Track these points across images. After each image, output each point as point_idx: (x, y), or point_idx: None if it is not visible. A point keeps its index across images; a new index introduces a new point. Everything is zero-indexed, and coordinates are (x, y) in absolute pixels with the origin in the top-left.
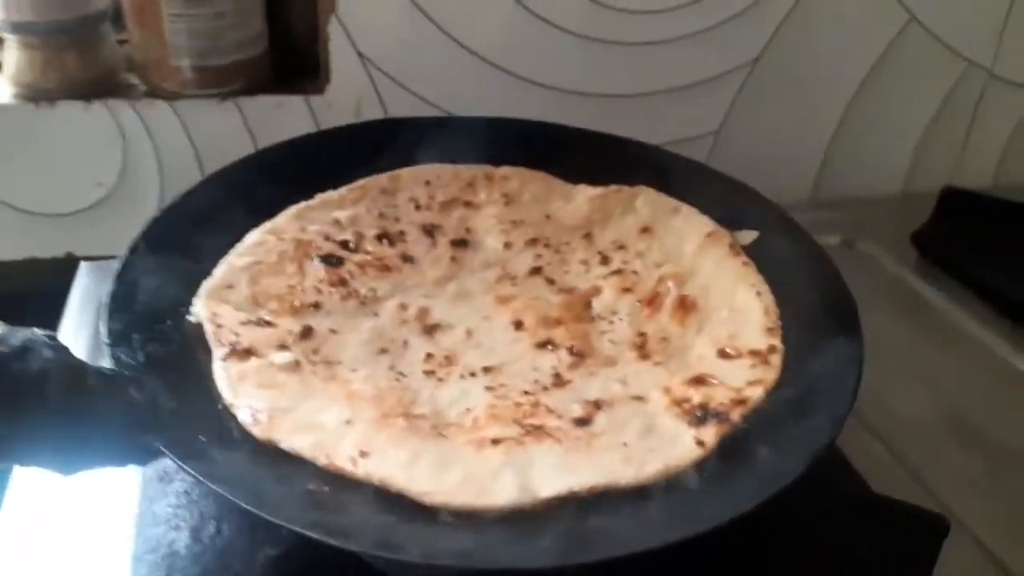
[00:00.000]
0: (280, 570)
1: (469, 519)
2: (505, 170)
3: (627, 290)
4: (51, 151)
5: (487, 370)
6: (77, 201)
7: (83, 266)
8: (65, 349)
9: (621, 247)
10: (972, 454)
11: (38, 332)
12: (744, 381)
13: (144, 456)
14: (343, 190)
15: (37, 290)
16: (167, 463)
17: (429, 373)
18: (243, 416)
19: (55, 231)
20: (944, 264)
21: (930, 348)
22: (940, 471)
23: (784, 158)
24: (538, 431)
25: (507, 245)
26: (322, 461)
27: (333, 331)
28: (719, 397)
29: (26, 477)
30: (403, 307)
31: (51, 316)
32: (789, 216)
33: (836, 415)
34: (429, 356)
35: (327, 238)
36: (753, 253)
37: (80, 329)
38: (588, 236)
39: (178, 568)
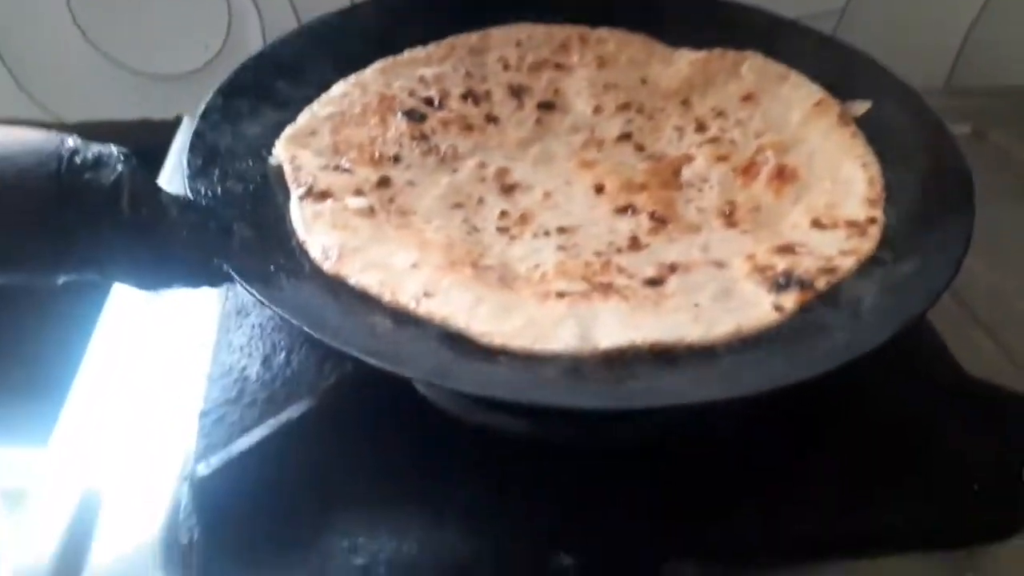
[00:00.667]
0: (341, 396)
1: (526, 362)
2: (602, 32)
3: (722, 158)
4: (159, 12)
5: (562, 230)
6: (186, 63)
7: (186, 120)
8: (138, 165)
9: (720, 114)
10: None
11: (113, 148)
12: (837, 251)
13: (216, 278)
14: (431, 47)
15: (149, 150)
16: (244, 298)
17: (503, 230)
18: (315, 252)
19: (167, 93)
20: None
21: None
22: None
23: (917, 40)
24: (606, 288)
25: (597, 109)
26: (387, 298)
27: (411, 183)
28: (805, 265)
29: (121, 298)
30: (482, 165)
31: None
32: (906, 84)
33: (932, 289)
34: (504, 214)
35: (411, 94)
36: (865, 124)
37: (175, 178)
38: (686, 102)
39: (248, 391)
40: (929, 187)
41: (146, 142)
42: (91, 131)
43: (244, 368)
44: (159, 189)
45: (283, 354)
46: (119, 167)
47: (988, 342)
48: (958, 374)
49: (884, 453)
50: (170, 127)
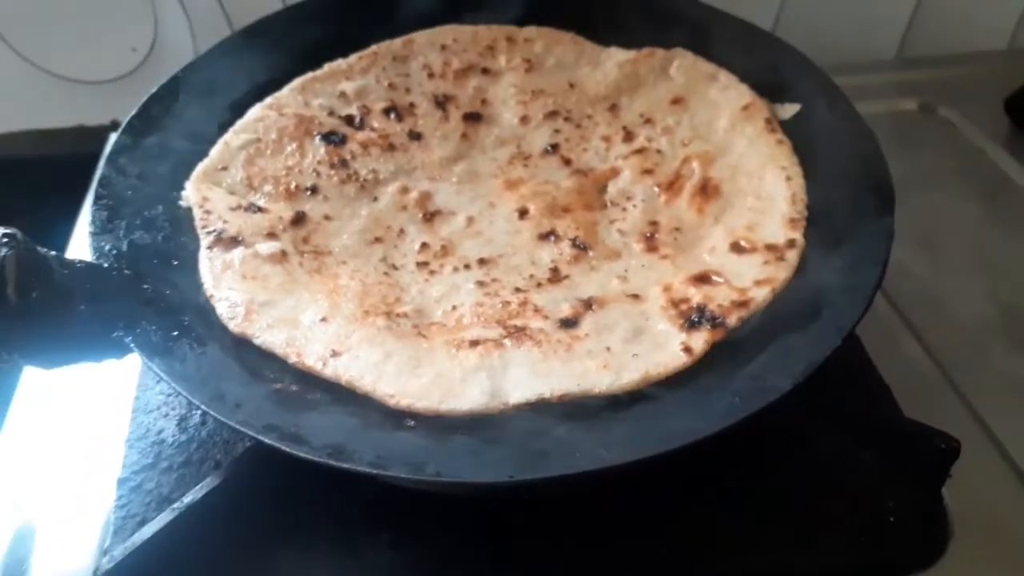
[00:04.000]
0: (257, 460)
1: (434, 425)
2: (529, 31)
3: (647, 172)
4: (85, 18)
5: (482, 262)
6: (116, 68)
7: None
8: (26, 244)
9: (648, 121)
10: (1022, 359)
11: None
12: (752, 280)
13: (119, 350)
14: (353, 58)
15: (86, 157)
16: None
17: (422, 265)
18: (221, 309)
19: (99, 99)
20: None
21: (1002, 234)
22: (982, 376)
23: (869, 10)
24: (519, 333)
25: (524, 119)
26: (293, 359)
27: (328, 217)
28: (720, 298)
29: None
30: (404, 191)
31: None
32: (836, 86)
33: (842, 325)
34: (424, 246)
35: (331, 113)
36: (793, 128)
37: None
38: (614, 108)
39: (164, 456)
40: (851, 201)
41: (83, 148)
42: (24, 140)
43: (160, 431)
44: (51, 267)
45: (198, 414)
46: (2, 251)
47: (917, 348)
48: (879, 408)
49: (800, 493)
50: (106, 131)
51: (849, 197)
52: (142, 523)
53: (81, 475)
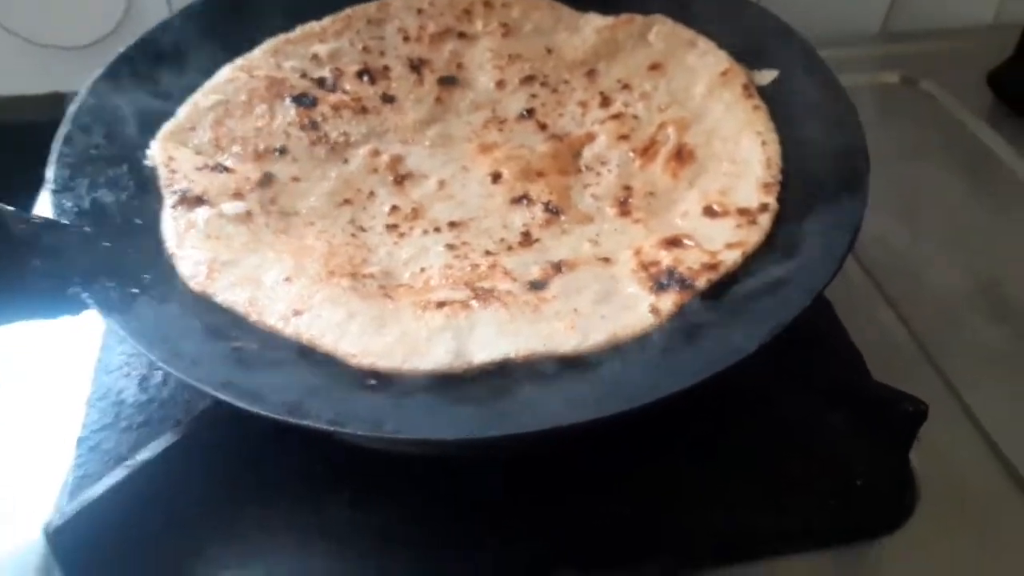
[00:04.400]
0: (216, 418)
1: (394, 383)
2: None
3: (623, 137)
4: None
5: (453, 225)
6: (90, 33)
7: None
8: None
9: (626, 87)
10: (996, 328)
11: None
12: (723, 243)
13: (75, 306)
14: (327, 20)
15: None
16: None
17: (391, 227)
18: (183, 268)
19: (72, 64)
20: (1021, 109)
21: (982, 207)
22: (955, 346)
23: None
24: (487, 294)
25: (500, 84)
26: (253, 318)
27: (296, 179)
28: (689, 261)
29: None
30: (375, 153)
31: None
32: (815, 53)
33: (811, 288)
34: (395, 209)
35: (303, 75)
36: (771, 94)
37: None
38: (591, 73)
39: (124, 416)
40: (827, 167)
41: (56, 114)
42: None
43: (121, 391)
44: (5, 222)
45: (160, 374)
46: None
47: (891, 315)
48: (848, 372)
49: (767, 455)
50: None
51: (825, 163)
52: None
53: (40, 435)
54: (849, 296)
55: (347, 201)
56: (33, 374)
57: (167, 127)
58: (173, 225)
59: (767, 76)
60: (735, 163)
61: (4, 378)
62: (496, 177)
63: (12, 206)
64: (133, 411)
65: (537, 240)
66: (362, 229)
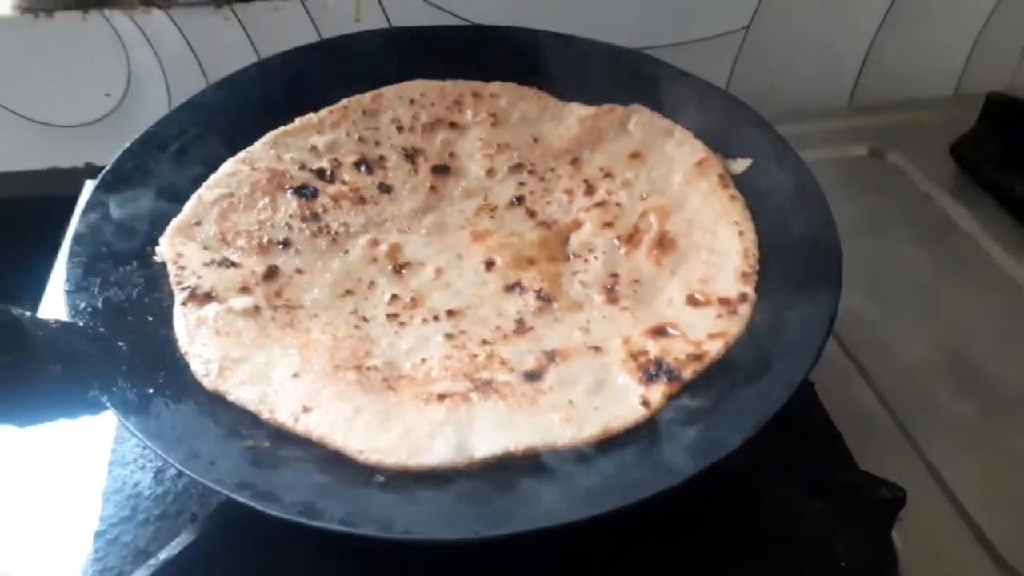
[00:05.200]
0: (231, 515)
1: (402, 480)
2: (495, 86)
3: (608, 224)
4: (57, 62)
5: (451, 314)
6: (89, 112)
7: (88, 184)
8: (2, 308)
9: (608, 175)
10: (970, 401)
11: None
12: (706, 333)
13: (94, 408)
14: (324, 112)
15: (59, 199)
16: None
17: (392, 317)
18: (195, 366)
19: (73, 142)
20: (983, 180)
21: (949, 278)
22: (930, 420)
23: (822, 56)
24: (486, 387)
25: (490, 172)
26: (265, 415)
27: (299, 271)
28: (676, 351)
29: None
30: (374, 243)
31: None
32: (785, 141)
33: (791, 380)
34: (395, 298)
35: (303, 167)
36: (745, 183)
37: None
38: (576, 161)
39: (141, 509)
40: (801, 256)
41: (56, 191)
42: None
43: (137, 483)
44: (25, 330)
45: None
46: None
47: (868, 392)
48: (829, 454)
49: (748, 537)
50: (79, 174)
51: (799, 252)
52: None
53: (58, 529)
54: (827, 370)
55: (349, 292)
56: (48, 467)
57: (174, 223)
58: (184, 322)
59: (741, 165)
60: (714, 253)
61: (20, 471)
62: (490, 265)
63: (17, 276)
64: (150, 504)
65: (531, 328)
66: (364, 319)
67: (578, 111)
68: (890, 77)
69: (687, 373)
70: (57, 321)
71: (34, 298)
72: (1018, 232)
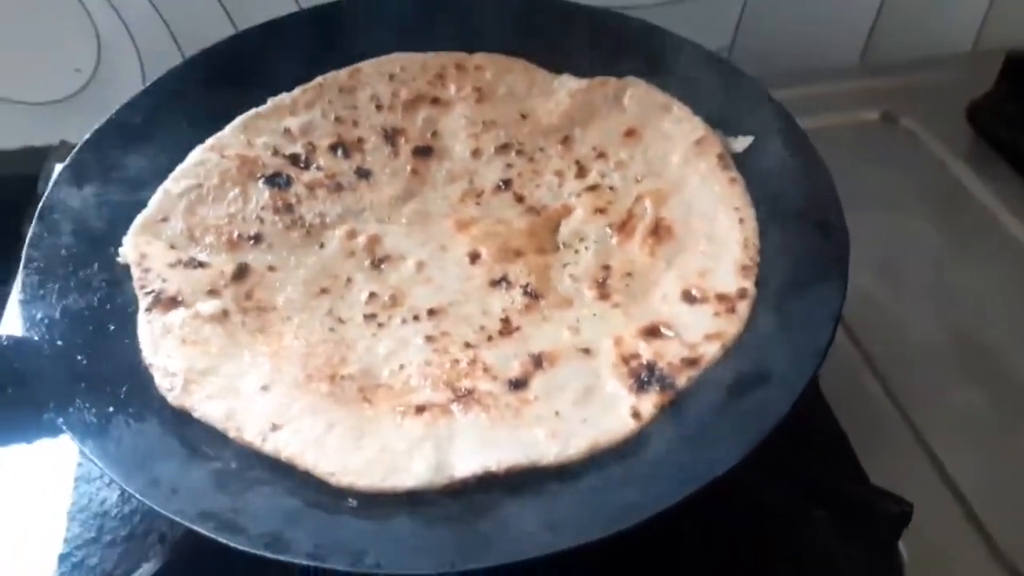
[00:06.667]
0: (198, 540)
1: (375, 502)
2: (479, 57)
3: (600, 211)
4: (24, 37)
5: (432, 313)
6: (61, 88)
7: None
8: None
9: (601, 155)
10: (981, 394)
11: None
12: (702, 334)
13: (51, 430)
14: (297, 91)
15: (33, 177)
16: None
17: (370, 317)
18: (159, 380)
19: (44, 119)
20: (1000, 145)
21: (962, 253)
22: (939, 414)
23: (831, 11)
24: (467, 398)
25: (475, 153)
26: (232, 434)
27: (272, 268)
28: (670, 355)
29: None
30: (352, 235)
31: None
32: (791, 119)
33: (792, 388)
34: (372, 296)
35: (275, 152)
36: (746, 161)
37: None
38: (567, 140)
39: (107, 529)
40: (804, 247)
41: (30, 169)
42: None
43: (103, 501)
44: None
45: None
46: None
47: (875, 385)
48: (833, 461)
49: (751, 548)
50: (53, 152)
51: (802, 241)
52: None
53: (22, 549)
54: (831, 359)
55: (324, 290)
56: (10, 483)
57: (138, 220)
58: (148, 330)
59: (742, 143)
60: (712, 242)
61: None
62: (474, 257)
63: None
64: (116, 524)
65: (517, 328)
66: (340, 321)
67: (569, 84)
68: (903, 34)
69: (681, 381)
70: (9, 337)
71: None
72: None
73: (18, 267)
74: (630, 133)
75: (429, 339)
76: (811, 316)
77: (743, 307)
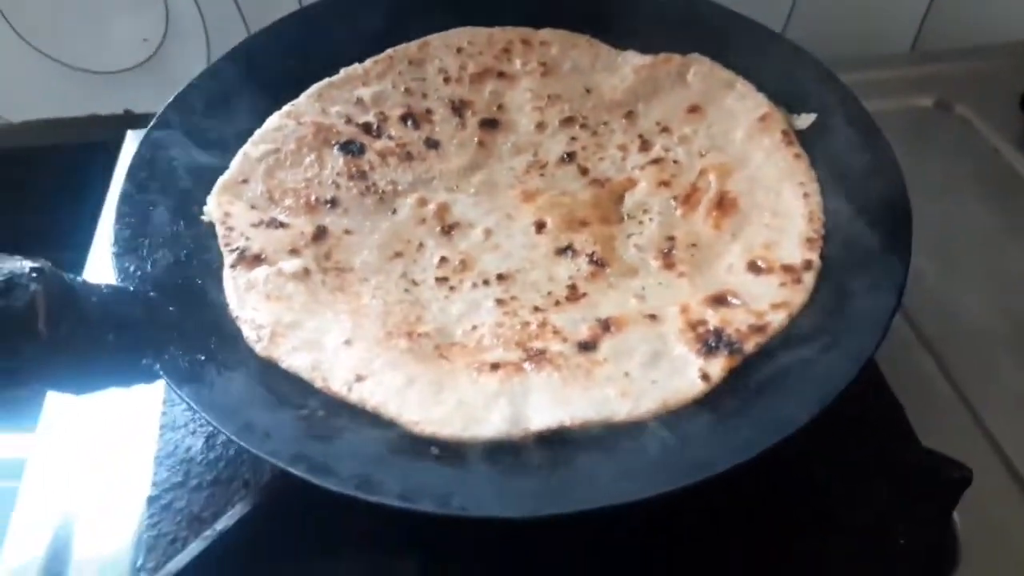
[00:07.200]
0: (285, 484)
1: (457, 453)
2: (545, 33)
3: (664, 183)
4: (94, 7)
5: (501, 278)
6: (128, 58)
7: (129, 134)
8: (54, 276)
9: (665, 130)
10: None
11: (24, 263)
12: (768, 303)
13: (148, 376)
14: (369, 62)
15: (100, 144)
16: None
17: (442, 280)
18: (247, 332)
19: (111, 88)
20: None
21: (1014, 238)
22: (995, 394)
23: (883, 2)
24: (539, 357)
25: (540, 126)
26: (319, 384)
27: (348, 231)
28: (737, 322)
29: None
30: (423, 203)
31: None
32: (855, 98)
33: (858, 355)
34: (443, 260)
35: (349, 120)
36: (811, 139)
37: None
38: (630, 115)
39: (193, 474)
40: (868, 220)
41: (96, 137)
42: (39, 129)
43: (189, 448)
44: (78, 298)
45: None
46: (32, 286)
47: (930, 362)
48: (891, 429)
49: (809, 514)
50: (118, 121)
51: (866, 216)
52: (173, 541)
53: (112, 493)
54: (888, 342)
55: (398, 254)
56: (99, 430)
57: (221, 181)
58: (234, 286)
59: (806, 120)
60: (777, 215)
61: (70, 435)
62: (540, 226)
63: (56, 229)
64: (202, 469)
65: (584, 295)
66: (414, 283)
67: (633, 60)
68: (956, 21)
69: (749, 346)
70: (108, 286)
71: (76, 248)
72: None
73: (88, 240)
74: (694, 109)
75: (499, 302)
76: (876, 286)
77: (808, 278)
